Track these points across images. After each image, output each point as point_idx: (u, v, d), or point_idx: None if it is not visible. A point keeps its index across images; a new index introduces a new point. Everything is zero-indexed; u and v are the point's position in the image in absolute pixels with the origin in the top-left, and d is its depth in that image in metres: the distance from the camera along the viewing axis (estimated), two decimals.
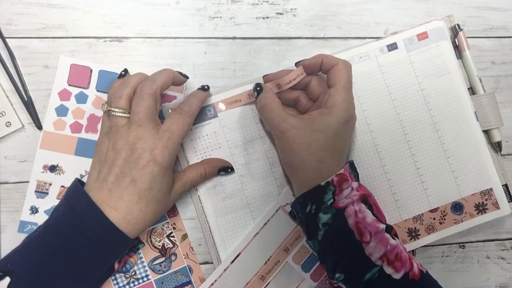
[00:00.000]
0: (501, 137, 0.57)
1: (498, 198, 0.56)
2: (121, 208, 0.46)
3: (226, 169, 0.54)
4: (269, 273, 0.54)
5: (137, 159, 0.46)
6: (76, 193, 0.47)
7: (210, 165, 0.53)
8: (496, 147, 0.57)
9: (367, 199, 0.48)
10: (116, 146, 0.47)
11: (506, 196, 0.56)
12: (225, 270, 0.53)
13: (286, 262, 0.54)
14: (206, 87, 0.53)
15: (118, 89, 0.49)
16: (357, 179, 0.50)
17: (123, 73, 0.53)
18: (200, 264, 0.55)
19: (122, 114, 0.48)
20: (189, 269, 0.55)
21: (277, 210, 0.54)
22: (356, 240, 0.46)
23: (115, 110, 0.48)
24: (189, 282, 0.54)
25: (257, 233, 0.54)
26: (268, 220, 0.54)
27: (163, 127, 0.48)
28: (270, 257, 0.54)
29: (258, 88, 0.51)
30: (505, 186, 0.56)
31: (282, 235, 0.54)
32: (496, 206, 0.56)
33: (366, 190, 0.49)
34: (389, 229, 0.48)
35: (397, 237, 0.48)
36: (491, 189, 0.56)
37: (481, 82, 0.56)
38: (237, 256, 0.53)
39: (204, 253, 0.55)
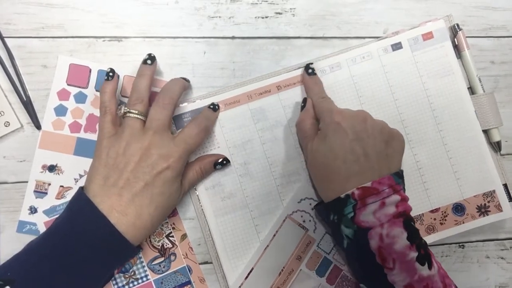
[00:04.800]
0: (501, 136, 0.57)
1: (501, 200, 0.56)
2: (131, 213, 0.46)
3: (221, 162, 0.54)
4: (284, 283, 0.53)
5: (152, 164, 0.47)
6: (80, 201, 0.47)
7: (205, 162, 0.53)
8: (496, 147, 0.57)
9: (411, 219, 0.46)
10: (129, 151, 0.47)
11: (506, 195, 0.56)
12: (240, 286, 0.53)
13: (300, 270, 0.54)
14: (216, 106, 0.54)
15: (138, 93, 0.49)
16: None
17: (111, 74, 0.51)
18: (200, 264, 0.55)
19: (141, 117, 0.49)
20: (188, 269, 0.55)
21: (284, 220, 0.54)
22: (378, 264, 0.44)
23: (134, 112, 0.48)
24: (189, 282, 0.54)
25: (267, 245, 0.54)
26: (277, 231, 0.54)
27: (180, 137, 0.49)
28: (284, 267, 0.53)
29: (303, 104, 0.54)
30: (505, 186, 0.56)
31: (293, 244, 0.54)
32: (499, 208, 0.56)
33: (409, 206, 0.47)
34: (424, 257, 0.44)
35: (437, 263, 0.45)
36: (493, 191, 0.56)
37: (480, 82, 0.56)
38: (250, 271, 0.53)
39: (204, 253, 0.55)
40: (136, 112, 0.48)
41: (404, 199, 0.46)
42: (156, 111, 0.49)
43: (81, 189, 0.48)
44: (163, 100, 0.49)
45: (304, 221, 0.54)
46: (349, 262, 0.49)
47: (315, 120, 0.52)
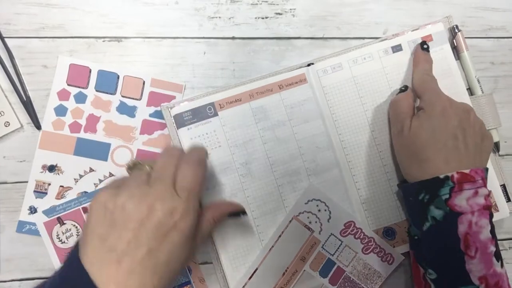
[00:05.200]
0: (499, 137, 0.57)
1: (497, 200, 0.56)
2: (131, 285, 0.38)
3: (237, 213, 0.50)
4: (287, 284, 0.53)
5: (157, 224, 0.40)
6: (74, 269, 0.40)
7: (219, 212, 0.48)
8: (494, 147, 0.57)
9: (492, 215, 0.48)
10: (130, 204, 0.40)
11: (504, 196, 0.56)
12: (243, 286, 0.53)
13: (304, 271, 0.54)
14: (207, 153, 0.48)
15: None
16: None
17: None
18: (200, 264, 0.55)
19: (148, 168, 0.45)
20: (188, 270, 0.54)
21: (290, 221, 0.54)
22: (460, 250, 0.45)
23: (142, 163, 0.45)
24: (188, 282, 0.54)
25: (272, 246, 0.53)
26: (282, 232, 0.54)
27: (178, 185, 0.42)
28: (287, 268, 0.53)
29: (403, 88, 0.54)
30: (503, 186, 0.57)
31: (297, 245, 0.54)
32: (495, 208, 0.56)
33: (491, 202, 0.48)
34: (499, 255, 0.47)
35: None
36: (490, 191, 0.56)
37: (479, 83, 0.57)
38: (255, 271, 0.53)
39: (203, 253, 0.55)
40: (144, 164, 0.45)
41: (488, 195, 0.47)
42: (163, 160, 0.44)
43: (76, 250, 0.41)
44: (172, 151, 0.45)
45: (310, 222, 0.54)
46: (422, 245, 0.49)
47: (413, 101, 0.53)
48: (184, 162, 0.44)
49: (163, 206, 0.40)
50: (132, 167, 0.46)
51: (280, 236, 0.54)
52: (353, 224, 0.54)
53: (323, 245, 0.54)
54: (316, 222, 0.54)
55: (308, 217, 0.54)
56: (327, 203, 0.54)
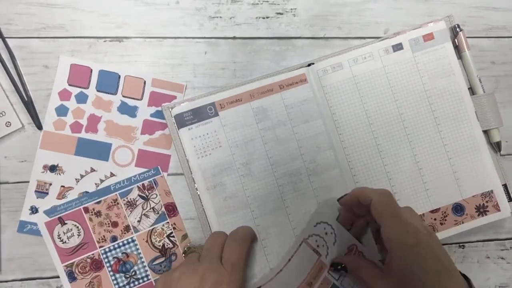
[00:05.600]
0: (501, 137, 0.57)
1: (498, 200, 0.56)
2: None
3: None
4: None
5: None
6: None
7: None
8: (496, 147, 0.57)
9: None
10: (183, 277, 0.46)
11: (506, 196, 0.56)
12: None
13: None
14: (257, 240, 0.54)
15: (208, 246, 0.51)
16: None
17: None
18: None
19: (199, 251, 0.51)
20: None
21: (300, 244, 0.53)
22: None
23: (196, 248, 0.52)
24: None
25: (281, 270, 0.52)
26: (292, 256, 0.53)
27: (224, 260, 0.48)
28: None
29: (342, 267, 0.50)
30: (504, 186, 0.56)
31: (305, 270, 0.52)
32: (497, 208, 0.56)
33: None
34: None
35: None
36: (491, 191, 0.56)
37: (480, 82, 0.56)
38: None
39: None
40: (198, 248, 0.51)
41: None
42: (210, 240, 0.50)
43: None
44: (218, 233, 0.51)
45: (318, 246, 0.53)
46: None
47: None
48: (229, 239, 0.50)
49: (212, 277, 0.45)
50: (186, 251, 0.52)
51: (289, 260, 0.52)
52: (355, 248, 0.52)
53: (328, 269, 0.52)
54: (323, 245, 0.53)
55: (316, 240, 0.53)
56: (333, 226, 0.53)
